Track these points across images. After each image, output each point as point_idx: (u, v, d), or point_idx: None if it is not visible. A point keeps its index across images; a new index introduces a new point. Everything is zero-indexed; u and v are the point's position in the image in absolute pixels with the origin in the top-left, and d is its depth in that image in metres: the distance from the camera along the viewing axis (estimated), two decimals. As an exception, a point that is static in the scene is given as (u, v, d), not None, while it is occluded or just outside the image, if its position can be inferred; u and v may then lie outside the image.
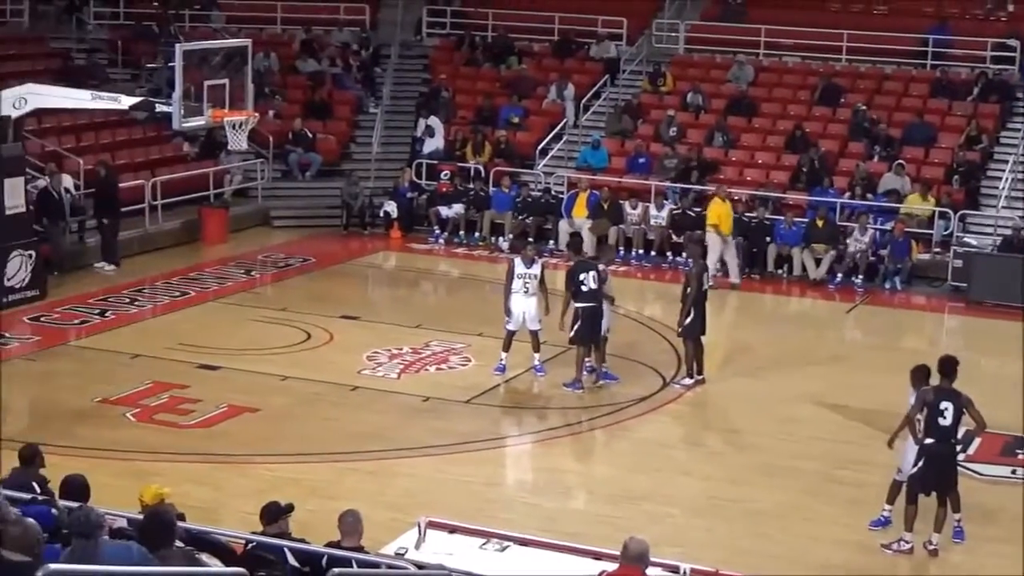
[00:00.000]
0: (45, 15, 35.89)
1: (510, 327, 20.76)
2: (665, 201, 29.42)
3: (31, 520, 8.79)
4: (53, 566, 8.12)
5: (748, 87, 33.45)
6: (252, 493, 15.43)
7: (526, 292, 20.62)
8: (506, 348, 20.85)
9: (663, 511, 16.34)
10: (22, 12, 34.74)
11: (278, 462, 17.36)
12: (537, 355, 20.90)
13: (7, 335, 22.46)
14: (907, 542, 15.30)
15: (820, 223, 27.78)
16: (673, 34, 35.62)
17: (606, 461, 18.49)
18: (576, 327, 20.23)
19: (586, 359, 20.57)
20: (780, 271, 27.98)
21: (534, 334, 20.77)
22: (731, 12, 35.76)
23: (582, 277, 20.14)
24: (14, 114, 23.92)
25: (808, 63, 34.38)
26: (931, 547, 15.30)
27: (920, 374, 15.56)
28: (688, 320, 20.49)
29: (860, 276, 27.44)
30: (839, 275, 27.48)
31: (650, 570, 10.95)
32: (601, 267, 20.68)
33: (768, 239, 28.04)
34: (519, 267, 20.68)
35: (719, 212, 27.10)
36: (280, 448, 17.81)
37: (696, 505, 16.64)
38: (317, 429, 18.72)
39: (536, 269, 20.73)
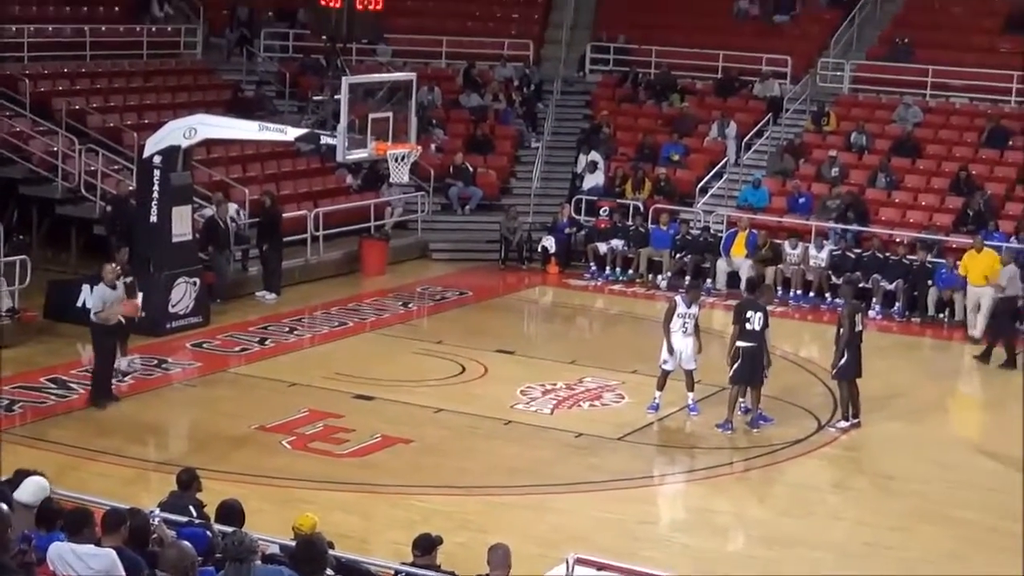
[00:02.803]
0: (217, 47, 36.63)
1: (667, 366, 20.68)
2: (825, 242, 29.12)
3: (187, 543, 8.97)
4: (206, 589, 8.27)
5: (914, 128, 33.01)
6: (403, 524, 15.54)
7: (684, 331, 20.55)
8: (660, 387, 20.77)
9: (815, 556, 16.12)
10: (195, 44, 35.52)
11: (429, 494, 17.45)
12: (692, 394, 20.78)
13: (170, 360, 22.92)
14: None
15: (984, 267, 27.25)
16: (838, 73, 35.30)
17: (758, 503, 18.31)
18: (736, 366, 20.14)
19: (741, 400, 20.45)
20: (941, 315, 27.49)
21: (689, 373, 20.68)
22: (898, 52, 35.30)
23: (748, 315, 20.06)
24: (184, 144, 24.44)
25: (976, 104, 33.82)
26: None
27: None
28: (842, 362, 20.28)
29: (1024, 322, 26.90)
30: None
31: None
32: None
33: (929, 282, 27.58)
34: (680, 306, 20.62)
35: (966, 263, 26.33)
36: (432, 480, 17.91)
37: (849, 551, 16.39)
38: (469, 462, 18.80)
39: (695, 309, 20.70)
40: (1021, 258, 26.82)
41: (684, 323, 20.56)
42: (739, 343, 20.11)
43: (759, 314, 20.08)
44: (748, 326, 20.03)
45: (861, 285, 26.86)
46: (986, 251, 26.36)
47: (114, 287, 20.38)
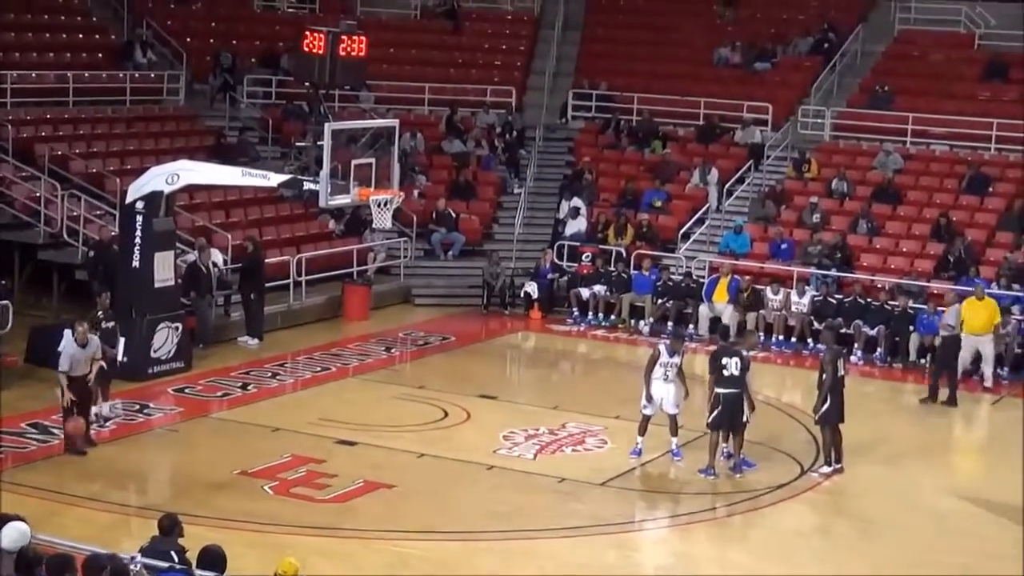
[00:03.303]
0: (200, 93, 36.71)
1: (647, 412, 20.69)
2: (807, 287, 29.20)
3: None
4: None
5: (894, 175, 33.18)
6: (383, 569, 15.55)
7: (665, 379, 20.59)
8: (642, 432, 20.76)
9: (798, 601, 16.12)
10: (178, 91, 35.61)
11: (411, 539, 17.40)
12: (675, 439, 20.78)
13: (152, 405, 22.87)
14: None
15: (965, 313, 27.34)
16: (819, 120, 35.48)
17: (741, 548, 18.28)
18: (715, 412, 20.17)
19: (723, 445, 20.48)
20: (923, 360, 27.53)
21: (672, 418, 20.69)
22: (878, 99, 35.52)
23: (724, 362, 20.06)
24: (167, 189, 24.47)
25: (956, 151, 34.04)
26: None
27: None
28: (825, 407, 20.32)
29: (1006, 368, 26.94)
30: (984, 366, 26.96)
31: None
32: (744, 354, 20.56)
33: (911, 328, 27.65)
34: (663, 355, 20.64)
35: (966, 311, 25.90)
36: (414, 525, 17.85)
37: (832, 596, 16.39)
38: (452, 507, 18.76)
39: (678, 359, 20.73)
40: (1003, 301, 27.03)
41: (665, 371, 20.60)
42: (718, 389, 20.13)
43: (735, 359, 20.09)
44: (725, 372, 20.04)
45: (843, 331, 26.96)
46: (987, 299, 26.36)
47: (84, 345, 20.25)
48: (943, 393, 24.90)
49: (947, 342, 25.48)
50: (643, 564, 18.14)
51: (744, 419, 20.22)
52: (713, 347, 21.79)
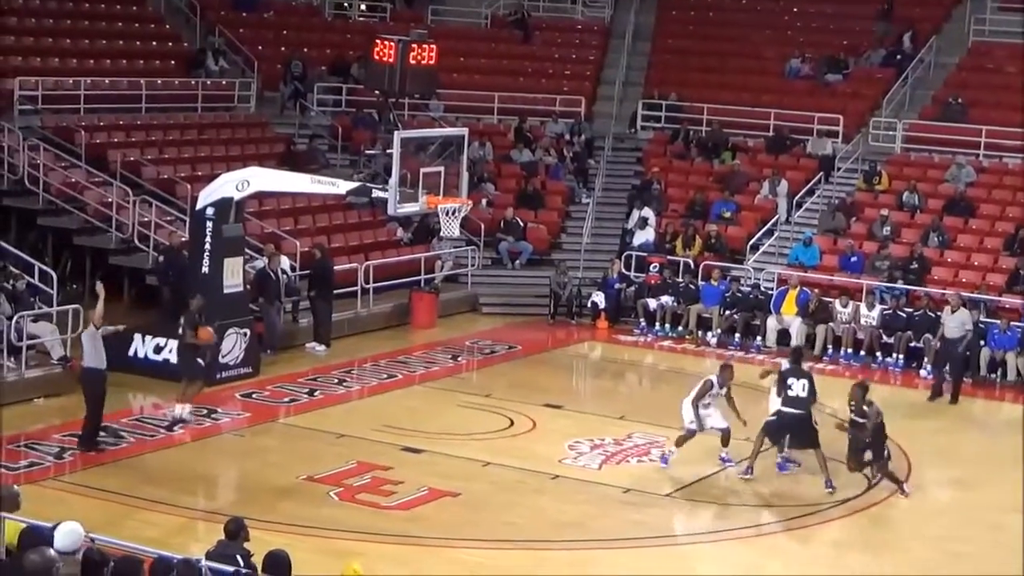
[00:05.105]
0: (271, 101, 36.92)
1: (692, 426, 20.78)
2: (876, 300, 28.96)
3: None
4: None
5: (966, 187, 32.89)
6: (448, 577, 15.51)
7: (706, 405, 20.71)
8: (679, 444, 20.80)
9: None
10: (249, 98, 35.82)
11: (476, 547, 17.42)
12: (725, 449, 20.88)
13: (219, 410, 23.00)
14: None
15: (1038, 328, 27.11)
16: (890, 132, 35.25)
17: (806, 561, 18.13)
18: (770, 420, 20.45)
19: (780, 455, 20.76)
20: (994, 375, 27.28)
21: (724, 431, 20.76)
22: (951, 112, 35.23)
23: (791, 382, 20.23)
24: (237, 196, 24.62)
25: (1030, 164, 33.75)
26: None
27: None
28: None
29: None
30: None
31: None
32: (811, 375, 20.58)
33: (982, 343, 27.35)
34: (715, 387, 20.80)
35: None
36: (478, 534, 17.87)
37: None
38: (516, 516, 18.74)
39: (724, 390, 20.88)
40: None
41: (712, 400, 20.83)
42: (781, 407, 20.34)
43: (803, 382, 20.14)
44: (790, 392, 20.25)
45: (912, 344, 26.76)
46: None
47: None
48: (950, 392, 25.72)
49: (952, 344, 25.85)
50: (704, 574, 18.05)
51: (815, 437, 20.22)
52: (782, 360, 21.70)
